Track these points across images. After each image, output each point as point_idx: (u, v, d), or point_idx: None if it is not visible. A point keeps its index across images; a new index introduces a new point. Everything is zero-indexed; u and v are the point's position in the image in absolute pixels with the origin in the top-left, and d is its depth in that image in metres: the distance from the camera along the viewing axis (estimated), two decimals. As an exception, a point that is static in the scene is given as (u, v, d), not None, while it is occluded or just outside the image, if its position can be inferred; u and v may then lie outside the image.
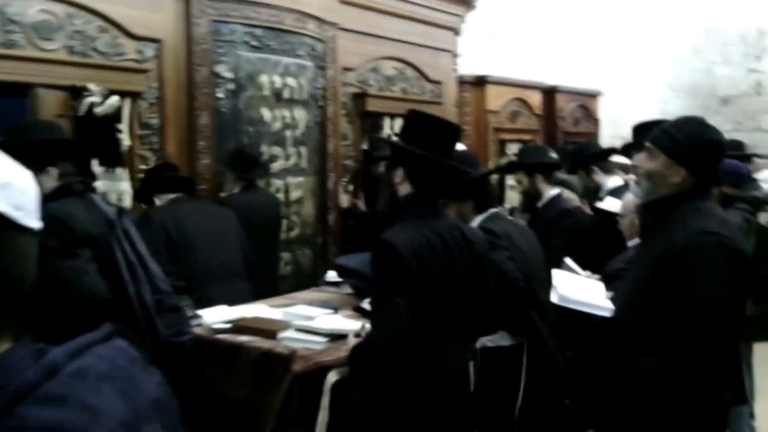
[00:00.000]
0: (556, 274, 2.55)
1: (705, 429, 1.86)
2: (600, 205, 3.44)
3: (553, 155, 4.01)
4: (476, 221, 2.69)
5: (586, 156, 4.08)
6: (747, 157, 5.38)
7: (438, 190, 2.16)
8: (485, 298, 2.20)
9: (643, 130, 3.28)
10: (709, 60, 11.09)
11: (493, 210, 2.77)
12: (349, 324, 2.46)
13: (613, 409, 1.98)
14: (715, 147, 1.92)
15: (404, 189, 2.08)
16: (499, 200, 2.94)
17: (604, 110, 7.32)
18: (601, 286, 2.49)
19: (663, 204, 1.94)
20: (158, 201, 3.05)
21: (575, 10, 7.64)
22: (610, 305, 2.12)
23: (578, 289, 2.44)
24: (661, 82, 9.79)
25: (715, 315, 1.72)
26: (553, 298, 2.34)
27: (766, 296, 3.68)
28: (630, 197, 2.80)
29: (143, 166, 3.15)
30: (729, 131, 10.69)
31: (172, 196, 3.03)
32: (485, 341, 2.57)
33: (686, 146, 1.89)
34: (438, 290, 2.00)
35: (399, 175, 2.08)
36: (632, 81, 8.94)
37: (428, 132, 2.10)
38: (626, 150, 3.59)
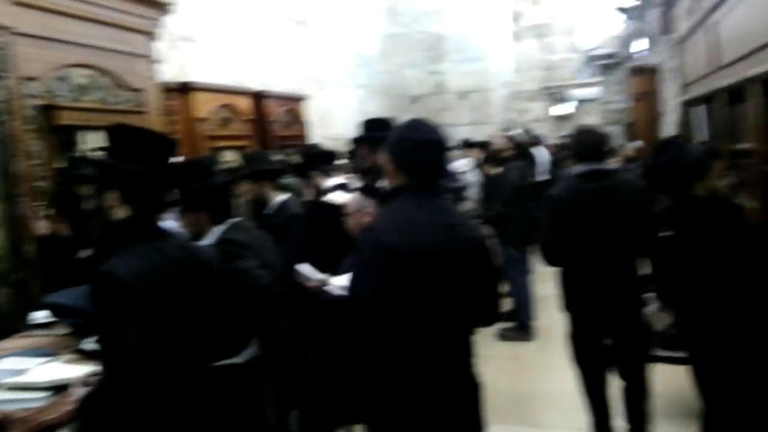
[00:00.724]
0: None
1: None
2: (326, 198, 3.54)
3: (279, 159, 4.05)
4: (216, 232, 2.57)
5: (312, 159, 4.19)
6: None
7: (160, 209, 2.02)
8: (226, 316, 2.12)
9: (370, 126, 3.51)
10: (397, 63, 12.18)
11: (233, 220, 2.66)
12: (72, 370, 2.18)
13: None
14: (415, 144, 2.05)
15: (121, 212, 1.90)
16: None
17: (311, 112, 7.58)
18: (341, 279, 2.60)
19: (385, 198, 2.17)
20: None
21: (274, 19, 7.77)
22: None
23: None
24: (358, 83, 10.46)
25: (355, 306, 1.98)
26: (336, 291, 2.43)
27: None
28: (356, 197, 2.91)
29: None
30: (419, 127, 11.90)
31: None
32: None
33: (391, 145, 2.10)
34: (173, 315, 1.87)
35: (113, 197, 1.89)
36: (333, 84, 9.39)
37: (140, 146, 1.95)
38: (357, 141, 3.75)
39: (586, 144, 3.20)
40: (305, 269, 2.93)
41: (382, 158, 2.10)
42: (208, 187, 2.56)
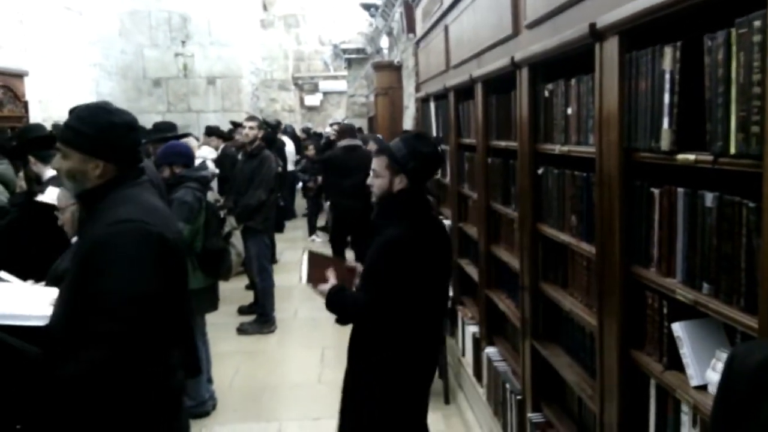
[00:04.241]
0: None
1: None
2: (39, 197, 3.11)
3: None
4: None
5: (28, 143, 3.65)
6: (183, 136, 5.69)
7: None
8: None
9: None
10: (138, 43, 11.33)
11: None
12: None
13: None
14: (123, 129, 1.85)
15: None
16: None
17: (31, 92, 6.67)
18: (49, 291, 2.20)
19: (89, 196, 1.84)
20: None
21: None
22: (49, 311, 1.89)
23: (10, 299, 2.10)
24: (92, 62, 9.52)
25: (127, 305, 1.64)
26: None
27: (214, 270, 3.97)
28: (62, 191, 2.57)
29: None
30: (162, 112, 11.23)
31: None
32: None
33: (94, 137, 1.80)
34: None
35: None
36: (61, 61, 8.40)
37: None
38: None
39: (347, 129, 6.01)
40: (5, 276, 2.50)
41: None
42: None
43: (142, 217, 1.75)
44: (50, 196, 2.92)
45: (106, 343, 1.62)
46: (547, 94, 2.46)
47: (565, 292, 2.44)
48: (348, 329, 2.59)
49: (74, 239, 2.52)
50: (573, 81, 2.21)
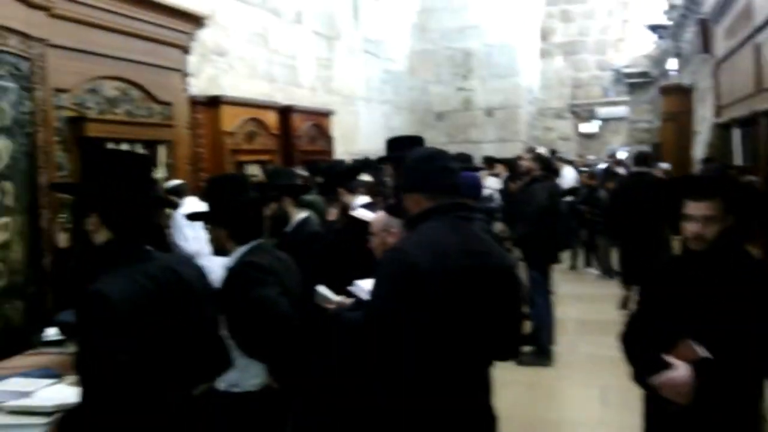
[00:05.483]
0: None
1: None
2: (354, 213, 3.45)
3: (303, 174, 3.96)
4: (238, 252, 2.46)
5: (337, 176, 4.10)
6: (476, 169, 5.94)
7: (143, 230, 1.94)
8: (207, 342, 2.06)
9: (395, 145, 3.43)
10: (424, 79, 12.14)
11: (256, 241, 2.51)
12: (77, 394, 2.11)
13: None
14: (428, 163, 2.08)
15: (101, 236, 1.84)
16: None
17: (336, 128, 7.55)
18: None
19: (408, 224, 2.11)
20: None
21: (304, 34, 7.77)
22: None
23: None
24: (384, 99, 10.43)
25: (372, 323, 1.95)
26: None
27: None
28: (381, 216, 2.81)
29: None
30: (444, 143, 11.83)
31: None
32: (229, 385, 2.40)
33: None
34: (155, 338, 1.80)
35: (92, 222, 1.84)
36: (359, 100, 9.37)
37: (117, 168, 1.89)
38: (381, 161, 3.68)
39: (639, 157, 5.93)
40: (323, 291, 2.85)
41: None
42: (233, 204, 2.47)
43: (409, 247, 1.93)
44: (364, 214, 3.25)
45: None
46: None
47: None
48: (626, 369, 2.36)
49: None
50: None
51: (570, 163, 11.97)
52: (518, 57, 12.09)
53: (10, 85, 3.27)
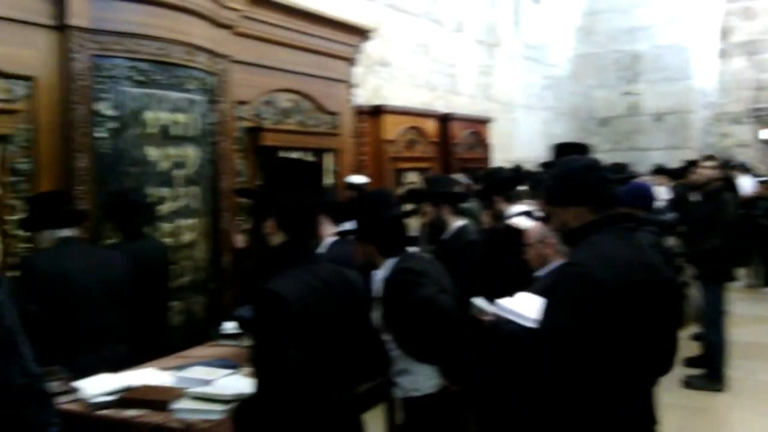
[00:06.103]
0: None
1: None
2: (511, 221, 3.41)
3: (463, 182, 3.96)
4: (389, 264, 2.54)
5: (494, 184, 4.07)
6: (631, 178, 5.63)
7: (312, 234, 2.08)
8: (369, 343, 2.14)
9: (562, 151, 3.35)
10: (587, 84, 11.70)
11: (408, 251, 2.60)
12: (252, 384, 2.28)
13: None
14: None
15: (277, 239, 1.97)
16: (413, 240, 2.81)
17: (494, 135, 7.49)
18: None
19: (568, 238, 2.01)
20: (45, 236, 2.72)
21: (465, 42, 7.79)
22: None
23: (520, 303, 2.49)
24: (544, 105, 10.18)
25: (549, 340, 1.82)
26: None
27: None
28: (538, 226, 2.76)
29: (11, 217, 2.81)
30: (608, 151, 11.32)
31: (62, 233, 2.71)
32: (409, 390, 2.46)
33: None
34: (323, 337, 1.90)
35: (270, 225, 1.97)
36: (519, 107, 9.22)
37: (292, 177, 2.02)
38: (546, 166, 3.62)
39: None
40: (480, 302, 2.82)
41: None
42: (379, 220, 2.57)
43: (589, 263, 1.82)
44: (520, 222, 3.19)
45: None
46: None
47: None
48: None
49: (539, 272, 2.70)
50: None
51: (748, 171, 10.97)
52: (691, 58, 11.29)
53: (199, 98, 3.59)
